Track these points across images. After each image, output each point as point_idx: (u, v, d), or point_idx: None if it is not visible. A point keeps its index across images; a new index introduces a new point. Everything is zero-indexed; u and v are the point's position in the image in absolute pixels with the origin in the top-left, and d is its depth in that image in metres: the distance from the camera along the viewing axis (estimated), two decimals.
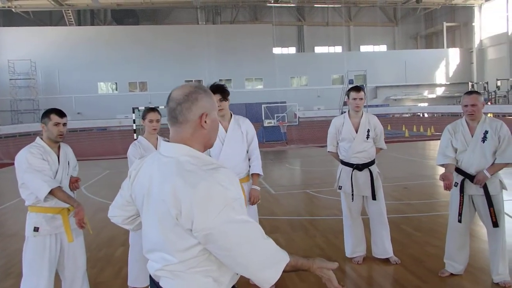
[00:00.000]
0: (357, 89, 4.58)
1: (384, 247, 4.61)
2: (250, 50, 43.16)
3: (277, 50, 46.51)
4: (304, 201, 8.32)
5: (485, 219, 3.90)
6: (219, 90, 3.81)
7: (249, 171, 4.07)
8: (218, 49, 42.63)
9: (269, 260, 1.45)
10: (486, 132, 3.82)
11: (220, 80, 41.44)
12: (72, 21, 42.35)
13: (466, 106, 3.86)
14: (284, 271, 1.49)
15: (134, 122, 18.23)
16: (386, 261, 4.61)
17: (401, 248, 4.95)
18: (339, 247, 5.04)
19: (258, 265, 1.44)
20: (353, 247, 4.70)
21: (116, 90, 43.78)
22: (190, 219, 1.42)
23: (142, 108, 17.77)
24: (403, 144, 18.34)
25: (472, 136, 3.88)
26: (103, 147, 22.47)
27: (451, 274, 4.12)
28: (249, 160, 4.07)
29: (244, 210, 1.47)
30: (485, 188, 3.81)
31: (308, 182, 10.54)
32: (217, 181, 1.44)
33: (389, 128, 26.37)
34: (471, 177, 3.88)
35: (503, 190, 3.93)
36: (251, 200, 4.00)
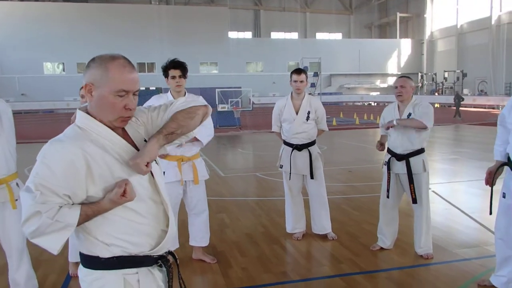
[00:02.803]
0: (298, 71, 4.74)
1: (322, 225, 4.85)
2: (205, 33, 42.66)
3: (232, 34, 46.25)
4: (253, 184, 8.49)
5: (410, 196, 4.21)
6: (181, 66, 3.92)
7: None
8: (172, 31, 41.90)
9: (43, 230, 1.45)
10: (409, 114, 4.12)
11: None
12: None
13: (396, 87, 4.17)
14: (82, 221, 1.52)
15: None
16: (324, 237, 4.86)
17: (339, 226, 5.21)
18: (282, 225, 5.23)
19: (32, 233, 1.46)
20: (293, 223, 4.92)
21: (64, 71, 42.25)
22: None
23: None
24: (353, 131, 18.86)
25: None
26: (49, 130, 21.60)
27: (382, 248, 4.43)
28: None
29: (42, 189, 1.46)
30: (408, 166, 4.10)
31: (258, 166, 10.73)
32: (43, 153, 1.53)
33: (341, 115, 27.00)
34: (397, 156, 4.18)
35: (427, 173, 4.20)
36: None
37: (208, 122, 4.04)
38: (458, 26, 43.33)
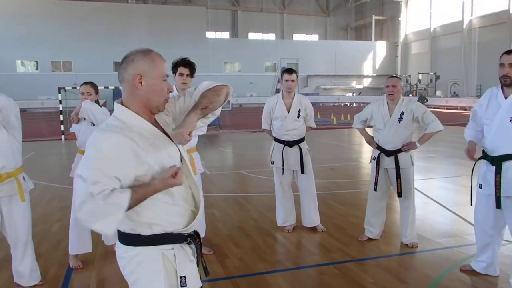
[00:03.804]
0: (290, 71, 4.98)
1: (311, 218, 5.08)
2: (182, 33, 42.45)
3: (210, 34, 46.18)
4: (238, 181, 8.66)
5: (396, 190, 4.47)
6: (190, 65, 4.14)
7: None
8: (149, 30, 41.53)
9: (97, 213, 1.59)
10: (402, 113, 4.36)
11: None
12: None
13: (387, 86, 4.40)
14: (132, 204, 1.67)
15: (60, 103, 17.34)
16: (314, 229, 5.09)
17: (327, 219, 5.44)
18: (272, 219, 5.44)
19: (88, 217, 1.60)
20: (284, 217, 5.13)
21: (37, 69, 41.37)
22: None
23: (69, 88, 17.11)
24: (331, 131, 19.24)
25: (390, 117, 4.40)
26: (25, 129, 21.25)
27: (369, 238, 4.69)
28: None
29: (99, 171, 1.60)
30: (396, 161, 4.36)
31: (241, 164, 10.90)
32: (92, 140, 1.68)
33: (318, 116, 27.36)
34: (386, 152, 4.43)
35: (413, 167, 4.51)
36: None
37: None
38: (432, 30, 44.39)
